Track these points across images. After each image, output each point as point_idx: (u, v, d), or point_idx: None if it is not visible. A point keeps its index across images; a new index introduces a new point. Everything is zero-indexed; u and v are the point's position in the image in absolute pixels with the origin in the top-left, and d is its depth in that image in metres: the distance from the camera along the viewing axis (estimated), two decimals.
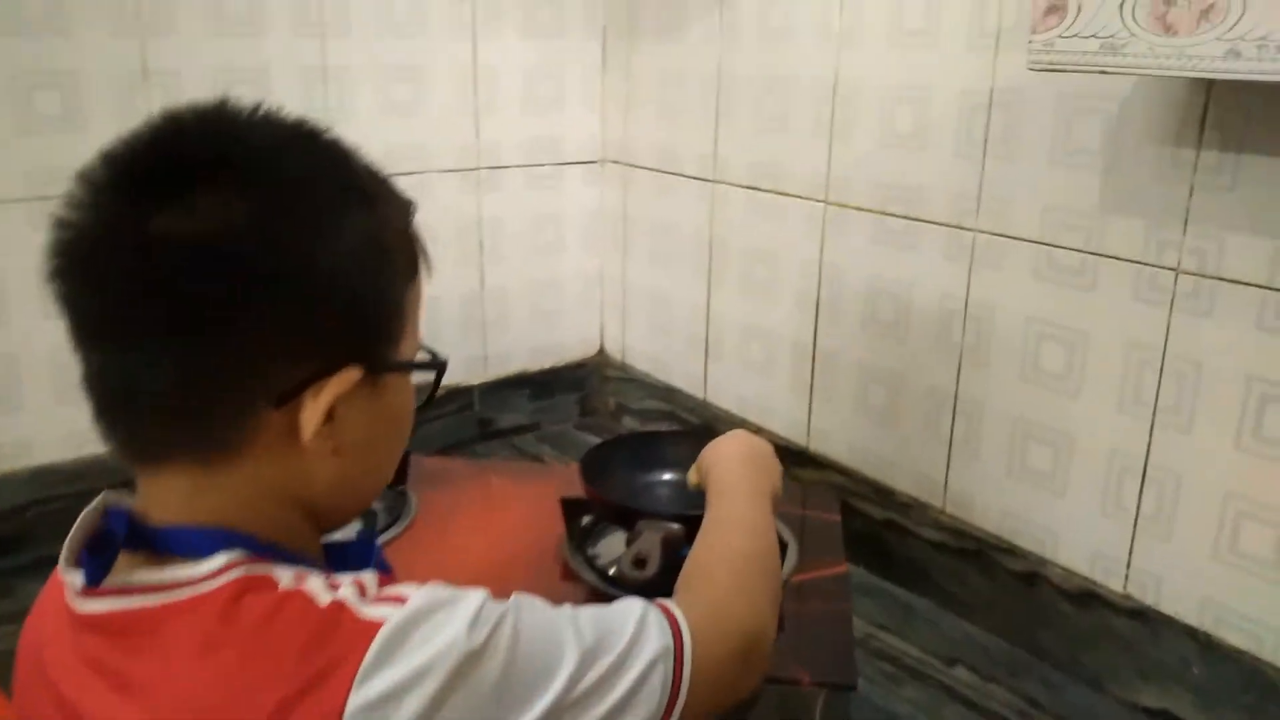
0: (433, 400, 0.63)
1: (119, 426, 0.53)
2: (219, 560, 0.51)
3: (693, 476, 0.94)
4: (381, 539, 1.18)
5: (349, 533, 0.64)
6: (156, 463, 0.54)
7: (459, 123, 1.71)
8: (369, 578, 0.52)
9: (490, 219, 1.79)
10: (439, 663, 0.48)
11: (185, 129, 0.52)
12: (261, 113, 0.54)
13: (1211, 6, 0.74)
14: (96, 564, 0.51)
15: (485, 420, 1.87)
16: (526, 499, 1.30)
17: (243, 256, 0.49)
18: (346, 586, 0.51)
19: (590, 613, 0.57)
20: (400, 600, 0.50)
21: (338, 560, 0.62)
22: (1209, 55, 0.74)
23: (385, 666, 0.47)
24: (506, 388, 1.89)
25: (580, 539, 1.17)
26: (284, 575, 0.51)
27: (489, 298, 1.83)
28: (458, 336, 1.81)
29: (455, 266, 1.77)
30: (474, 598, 0.51)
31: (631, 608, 0.59)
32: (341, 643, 0.48)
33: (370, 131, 1.60)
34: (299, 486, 0.55)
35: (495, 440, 1.88)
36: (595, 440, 1.89)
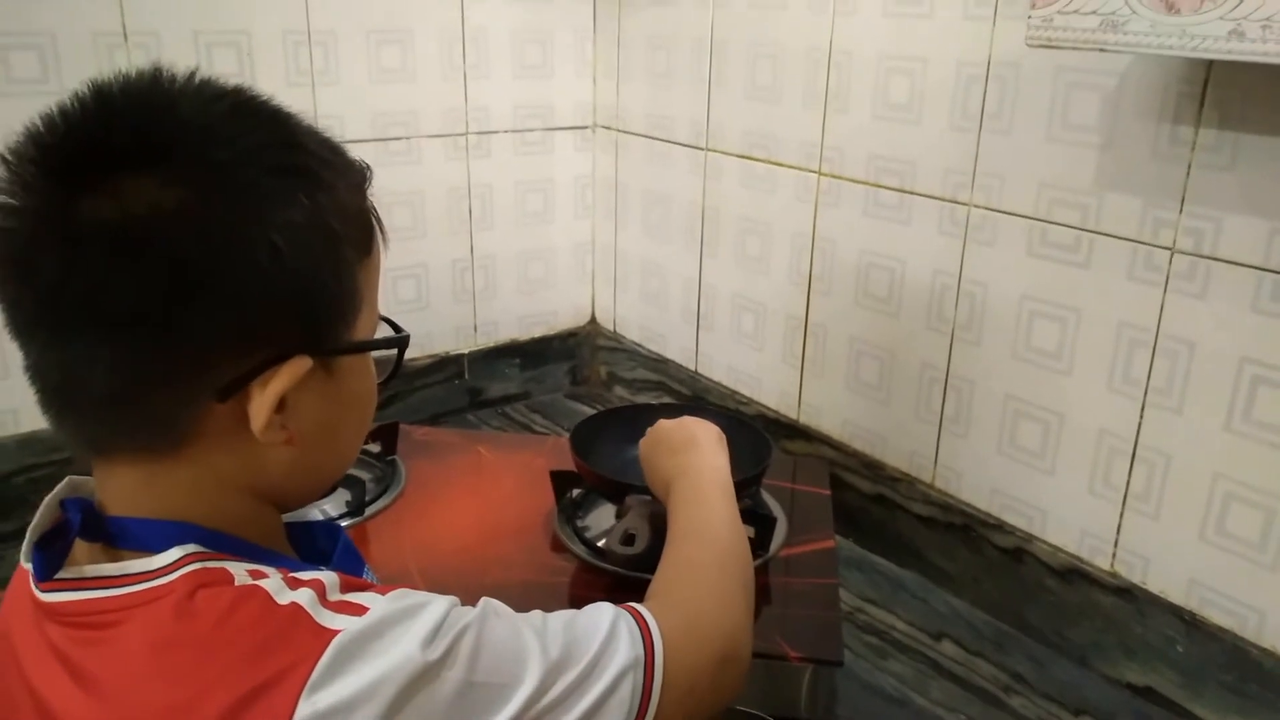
0: (397, 374, 0.61)
1: (65, 420, 0.51)
2: (173, 554, 0.50)
3: (653, 487, 0.93)
4: (370, 509, 1.18)
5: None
6: (107, 455, 0.53)
7: (447, 87, 1.68)
8: (330, 579, 0.51)
9: (479, 185, 1.76)
10: (391, 677, 0.47)
11: (112, 106, 0.49)
12: (196, 84, 0.51)
13: None
14: (44, 559, 0.51)
15: (475, 389, 1.86)
16: (516, 470, 1.30)
17: (174, 247, 0.47)
18: (306, 588, 0.49)
19: (560, 621, 0.56)
20: (360, 610, 0.49)
21: (303, 541, 0.62)
22: (1212, 35, 0.72)
23: (336, 678, 0.46)
24: (497, 356, 1.88)
25: (570, 510, 1.18)
26: (239, 570, 0.50)
27: (478, 265, 1.81)
28: (447, 305, 1.79)
29: (444, 234, 1.75)
30: (437, 607, 0.50)
31: (601, 616, 0.58)
32: (295, 648, 0.47)
33: (357, 96, 1.58)
34: (253, 476, 0.54)
35: (485, 409, 1.87)
36: (586, 410, 1.89)
